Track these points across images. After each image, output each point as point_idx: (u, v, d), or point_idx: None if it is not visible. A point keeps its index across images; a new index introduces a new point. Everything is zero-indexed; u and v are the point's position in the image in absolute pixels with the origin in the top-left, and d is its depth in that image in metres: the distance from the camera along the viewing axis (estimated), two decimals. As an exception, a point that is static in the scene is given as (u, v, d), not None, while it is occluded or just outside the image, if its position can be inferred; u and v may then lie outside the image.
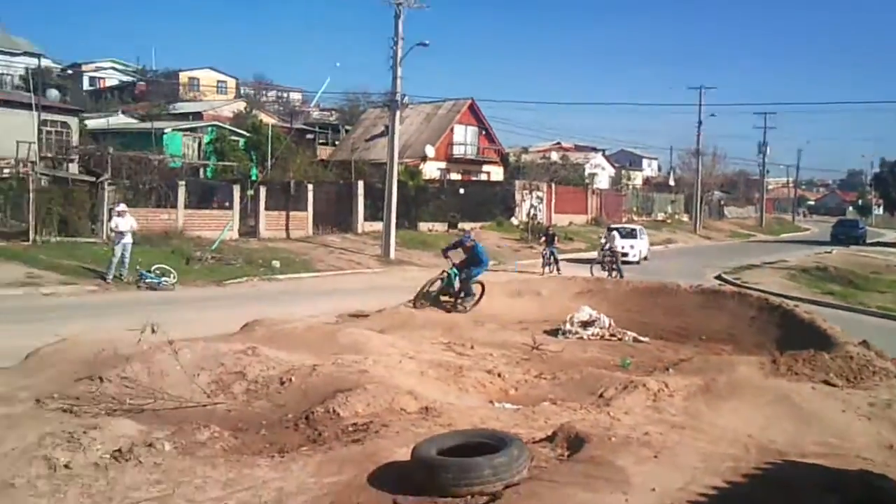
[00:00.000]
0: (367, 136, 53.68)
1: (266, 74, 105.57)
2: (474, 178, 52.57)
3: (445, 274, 16.68)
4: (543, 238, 30.70)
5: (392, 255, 31.21)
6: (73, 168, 32.52)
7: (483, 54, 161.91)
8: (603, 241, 29.72)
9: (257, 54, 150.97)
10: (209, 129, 47.51)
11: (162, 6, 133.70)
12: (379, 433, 7.10)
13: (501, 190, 48.62)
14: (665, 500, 5.78)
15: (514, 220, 45.08)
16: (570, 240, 41.86)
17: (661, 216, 64.45)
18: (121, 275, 21.70)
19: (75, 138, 35.83)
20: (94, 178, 27.99)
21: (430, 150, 49.16)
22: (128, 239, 21.80)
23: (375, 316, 14.71)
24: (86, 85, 69.42)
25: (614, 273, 26.47)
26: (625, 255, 31.85)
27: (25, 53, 54.13)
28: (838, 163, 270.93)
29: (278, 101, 75.91)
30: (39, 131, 32.44)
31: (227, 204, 32.14)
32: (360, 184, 37.55)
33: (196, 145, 45.50)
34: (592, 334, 13.90)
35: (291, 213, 34.05)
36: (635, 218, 56.39)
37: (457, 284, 16.52)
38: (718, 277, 28.91)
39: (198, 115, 54.18)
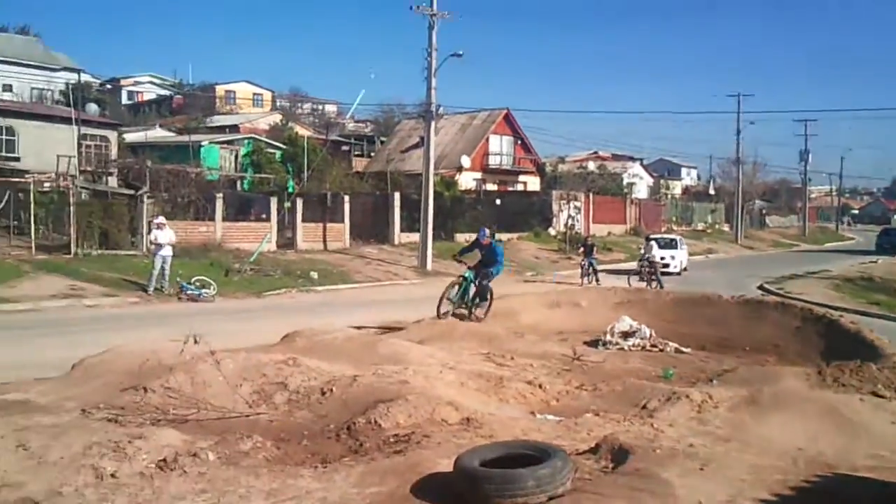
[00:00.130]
0: (402, 147, 53.87)
1: (301, 87, 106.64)
2: (510, 189, 52.52)
3: (462, 279, 16.39)
4: (582, 248, 30.48)
5: (429, 266, 31.21)
6: (113, 181, 33.09)
7: (518, 64, 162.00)
8: (642, 251, 29.48)
9: (292, 67, 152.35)
10: (246, 141, 48.00)
11: (198, 21, 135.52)
12: (420, 444, 7.06)
13: (538, 200, 48.48)
14: (712, 513, 5.68)
15: (552, 231, 44.93)
16: (609, 250, 41.62)
17: (700, 226, 63.87)
18: (161, 287, 21.95)
19: (114, 152, 36.45)
20: (133, 192, 28.41)
21: (465, 161, 49.21)
22: (167, 251, 22.03)
23: (413, 327, 14.68)
24: (124, 99, 70.58)
25: (653, 284, 26.20)
26: (665, 265, 31.57)
27: (65, 69, 55.25)
28: (883, 170, 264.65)
29: (314, 113, 76.49)
30: (79, 145, 33.04)
31: (264, 216, 32.40)
32: (396, 195, 37.68)
33: (233, 158, 45.99)
34: (633, 345, 13.76)
35: (328, 225, 34.26)
36: (674, 228, 55.94)
37: (472, 291, 16.19)
38: (761, 288, 28.50)
39: (234, 128, 54.81)
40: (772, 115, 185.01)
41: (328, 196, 35.82)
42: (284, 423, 8.25)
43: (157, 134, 51.08)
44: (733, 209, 62.24)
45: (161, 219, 23.34)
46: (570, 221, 43.53)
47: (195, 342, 9.25)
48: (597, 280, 27.64)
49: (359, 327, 14.40)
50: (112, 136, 37.27)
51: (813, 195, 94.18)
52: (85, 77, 55.63)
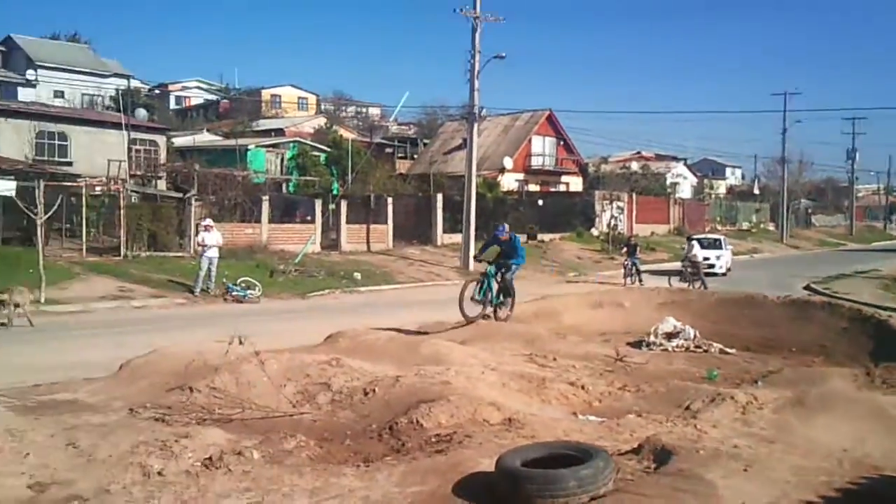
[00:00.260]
0: (445, 149, 53.97)
1: (345, 90, 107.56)
2: (553, 190, 52.36)
3: (482, 276, 15.27)
4: (625, 248, 30.26)
5: (471, 266, 31.13)
6: (161, 185, 33.62)
7: (561, 64, 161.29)
8: (684, 251, 29.17)
9: (337, 70, 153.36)
10: (291, 144, 48.42)
11: (244, 26, 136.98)
12: (462, 444, 7.09)
13: (581, 200, 48.27)
14: (756, 515, 5.63)
15: (594, 231, 44.71)
16: (653, 250, 41.29)
17: (745, 225, 63.07)
18: (208, 288, 22.25)
19: (163, 156, 37.00)
20: (181, 195, 28.86)
21: (508, 162, 49.17)
22: (213, 253, 22.32)
23: (456, 327, 14.71)
24: (172, 104, 71.61)
25: (697, 284, 25.84)
26: (711, 266, 31.20)
27: (115, 75, 56.24)
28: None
29: (358, 116, 76.88)
30: (129, 150, 33.59)
31: (309, 218, 32.67)
32: (439, 196, 37.77)
33: (278, 161, 46.43)
34: (677, 346, 13.64)
35: (372, 227, 34.45)
36: (719, 227, 55.31)
37: (494, 287, 15.19)
38: (807, 288, 28.06)
39: (280, 132, 55.30)
40: (818, 114, 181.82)
41: (372, 198, 36.02)
42: (327, 422, 8.34)
43: (205, 138, 51.79)
44: (778, 208, 61.36)
45: (209, 221, 23.68)
46: (612, 222, 43.26)
47: (240, 343, 9.37)
48: (640, 280, 27.41)
49: (398, 330, 14.39)
50: (161, 140, 37.85)
51: (860, 194, 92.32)
52: (134, 83, 56.55)
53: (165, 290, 22.33)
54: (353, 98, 80.00)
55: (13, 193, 21.63)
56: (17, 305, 16.23)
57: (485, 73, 31.66)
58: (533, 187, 50.72)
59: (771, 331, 14.57)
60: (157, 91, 69.76)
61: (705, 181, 75.05)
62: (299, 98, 74.25)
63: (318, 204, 32.70)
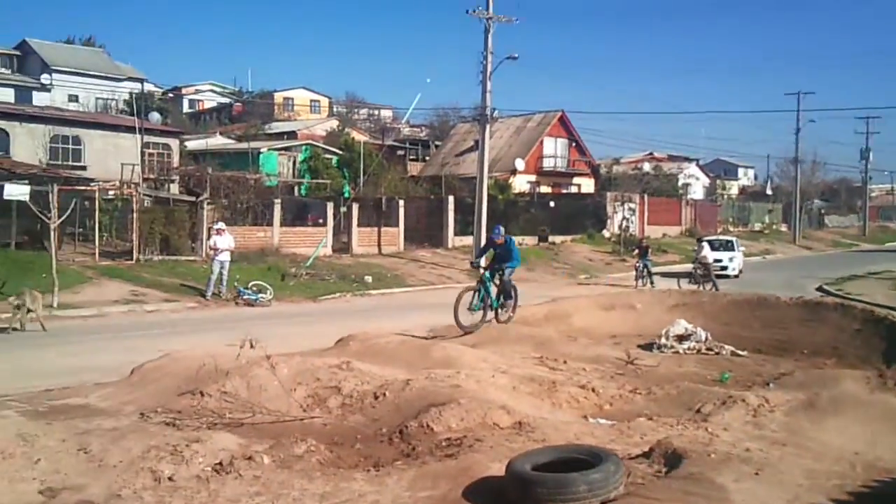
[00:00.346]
0: (456, 150, 53.95)
1: (358, 92, 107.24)
2: (564, 191, 52.26)
3: (479, 283, 14.99)
4: (636, 250, 30.16)
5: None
6: (174, 188, 33.69)
7: (573, 65, 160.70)
8: (695, 252, 29.03)
9: (349, 73, 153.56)
10: (303, 147, 48.50)
11: (257, 30, 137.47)
12: (472, 448, 7.09)
13: (592, 202, 48.20)
14: (767, 519, 5.61)
15: (606, 233, 44.62)
16: (664, 252, 41.18)
17: (758, 226, 62.78)
18: (219, 292, 22.32)
19: (176, 159, 37.09)
20: (193, 198, 28.94)
21: (519, 164, 49.11)
22: (225, 257, 22.38)
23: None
24: (185, 107, 71.85)
25: (708, 286, 25.64)
26: (723, 268, 31.09)
27: (129, 79, 56.59)
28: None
29: (370, 118, 76.93)
30: (142, 153, 33.70)
31: (320, 221, 32.72)
32: (451, 199, 37.77)
33: (291, 164, 46.49)
34: (688, 348, 13.59)
35: (383, 229, 34.48)
36: (731, 228, 55.10)
37: (493, 291, 15.00)
38: (820, 289, 27.93)
39: (292, 135, 55.42)
40: (832, 113, 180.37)
41: (383, 200, 36.04)
42: (338, 426, 8.35)
43: (218, 141, 51.90)
44: (791, 209, 61.11)
45: (221, 224, 23.74)
46: (624, 223, 43.13)
47: (251, 346, 9.40)
48: (651, 282, 27.30)
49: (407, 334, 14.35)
50: (174, 143, 37.95)
51: (874, 194, 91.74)
52: (148, 86, 56.83)
53: (177, 294, 22.41)
54: (365, 100, 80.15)
55: (27, 198, 21.72)
56: (29, 310, 16.31)
57: (497, 74, 31.69)
58: (544, 189, 50.63)
59: (783, 333, 14.51)
60: (170, 95, 69.95)
61: (717, 182, 74.81)
62: (311, 101, 74.40)
63: (330, 207, 32.75)
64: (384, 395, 8.92)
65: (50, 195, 21.06)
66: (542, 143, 52.32)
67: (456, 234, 36.85)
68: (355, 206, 33.65)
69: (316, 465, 6.90)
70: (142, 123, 34.55)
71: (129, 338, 15.85)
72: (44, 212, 20.72)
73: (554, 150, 53.17)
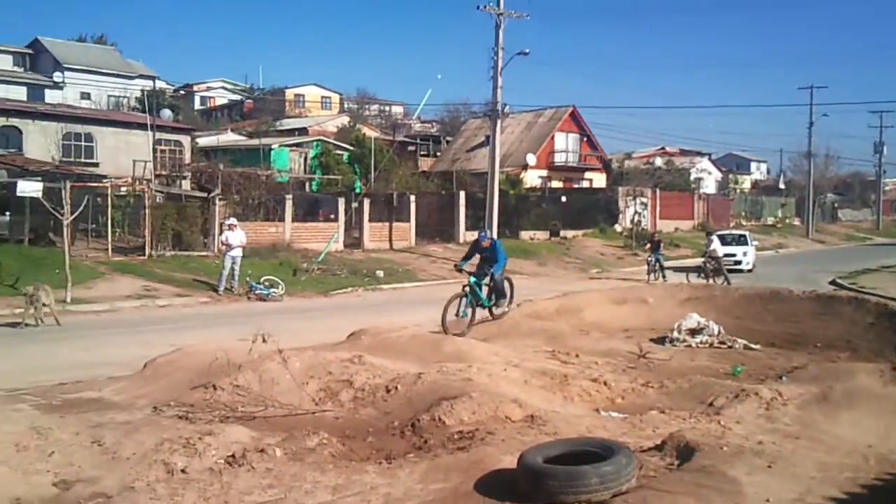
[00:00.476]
0: (467, 146, 53.88)
1: (368, 88, 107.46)
2: (576, 186, 52.12)
3: (467, 288, 14.78)
4: (648, 245, 30.08)
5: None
6: (186, 185, 33.83)
7: (584, 61, 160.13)
8: (706, 246, 28.90)
9: (360, 69, 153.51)
10: (314, 143, 48.55)
11: (268, 26, 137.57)
12: (484, 441, 7.09)
13: (604, 197, 48.04)
14: (780, 512, 5.59)
15: (618, 227, 44.52)
16: (676, 246, 41.02)
17: (770, 220, 62.52)
18: (231, 287, 22.38)
19: (187, 156, 37.24)
20: (205, 194, 29.03)
21: (531, 159, 49.00)
22: (237, 252, 22.42)
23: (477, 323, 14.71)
24: (197, 104, 72.04)
25: (719, 280, 25.52)
26: (737, 262, 30.96)
27: (141, 76, 56.69)
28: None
29: (381, 114, 76.94)
30: (154, 150, 33.86)
31: (332, 216, 32.74)
32: (462, 194, 37.74)
33: (302, 160, 46.58)
34: (701, 342, 13.57)
35: (394, 225, 34.48)
36: (743, 223, 54.91)
37: (484, 292, 14.96)
38: (833, 283, 27.80)
39: (303, 131, 55.47)
40: (845, 107, 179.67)
41: (394, 196, 36.04)
42: (350, 419, 8.36)
43: (229, 138, 52.03)
44: (804, 203, 60.84)
45: (233, 220, 23.78)
46: (636, 218, 43.02)
47: (263, 341, 9.41)
48: (663, 277, 27.22)
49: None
50: (185, 140, 38.08)
51: (888, 187, 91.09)
52: (159, 84, 56.99)
53: (190, 290, 22.48)
54: (376, 96, 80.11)
55: (40, 194, 21.84)
56: (44, 304, 16.39)
57: (508, 69, 31.70)
58: (556, 184, 50.47)
59: (796, 326, 14.47)
60: (182, 92, 70.17)
61: (730, 176, 74.52)
62: (323, 97, 74.45)
63: (341, 202, 32.75)
64: (396, 388, 8.93)
65: (63, 192, 21.15)
66: (553, 138, 52.18)
67: (467, 229, 36.77)
68: (366, 202, 33.66)
69: (328, 458, 6.91)
70: (153, 120, 34.70)
71: (141, 332, 15.90)
72: (57, 208, 20.80)
73: (565, 146, 53.02)
